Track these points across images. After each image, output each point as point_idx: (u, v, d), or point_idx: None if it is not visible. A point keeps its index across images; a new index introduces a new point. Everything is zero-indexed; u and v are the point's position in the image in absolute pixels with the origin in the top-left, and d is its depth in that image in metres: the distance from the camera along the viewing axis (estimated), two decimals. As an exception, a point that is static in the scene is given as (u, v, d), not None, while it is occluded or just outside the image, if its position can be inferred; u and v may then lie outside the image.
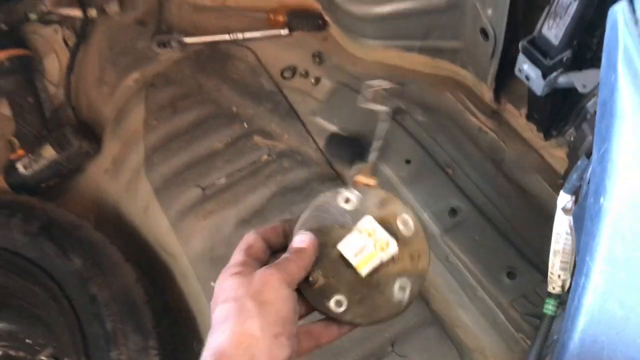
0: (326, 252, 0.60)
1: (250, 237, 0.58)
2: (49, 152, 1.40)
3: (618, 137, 0.45)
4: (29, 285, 1.23)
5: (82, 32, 1.54)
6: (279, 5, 1.46)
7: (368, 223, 0.60)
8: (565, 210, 0.67)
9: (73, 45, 1.54)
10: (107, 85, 1.48)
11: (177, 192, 1.28)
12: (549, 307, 0.72)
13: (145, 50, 1.48)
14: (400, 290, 0.59)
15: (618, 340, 0.50)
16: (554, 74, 0.89)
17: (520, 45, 0.90)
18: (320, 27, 1.43)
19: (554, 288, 0.71)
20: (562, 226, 0.68)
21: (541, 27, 0.87)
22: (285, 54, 1.42)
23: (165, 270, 1.27)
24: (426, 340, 1.06)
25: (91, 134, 1.44)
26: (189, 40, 1.47)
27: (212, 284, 1.04)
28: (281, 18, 1.44)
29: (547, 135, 1.14)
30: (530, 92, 0.98)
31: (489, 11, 1.04)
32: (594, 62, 0.90)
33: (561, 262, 0.69)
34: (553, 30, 0.86)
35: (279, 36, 1.44)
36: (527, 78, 0.93)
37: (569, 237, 0.68)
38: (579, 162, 0.66)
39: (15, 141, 1.46)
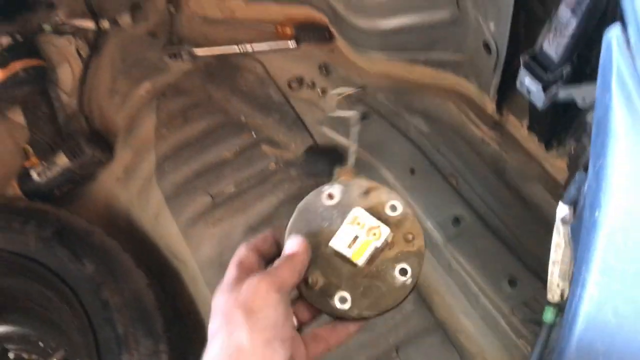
0: (320, 252, 0.59)
1: (241, 251, 0.57)
2: (62, 160, 1.44)
3: (612, 156, 0.47)
4: (42, 290, 1.26)
5: (95, 43, 1.58)
6: (287, 18, 1.49)
7: (356, 214, 0.59)
8: (564, 221, 0.70)
9: (86, 55, 1.58)
10: (119, 95, 1.52)
11: (188, 200, 1.32)
12: (548, 314, 0.74)
13: (156, 61, 1.51)
14: (401, 273, 0.59)
15: (613, 347, 0.52)
16: (554, 87, 0.92)
17: (521, 59, 0.92)
18: (327, 40, 1.46)
19: (553, 296, 0.72)
20: (561, 237, 0.70)
21: (542, 42, 0.90)
22: (292, 66, 1.45)
23: (175, 275, 1.30)
24: (430, 346, 1.08)
25: (103, 142, 1.48)
26: (199, 51, 1.51)
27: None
28: (289, 30, 1.47)
29: (548, 147, 1.16)
30: (532, 105, 1.00)
31: (492, 25, 1.06)
32: (593, 76, 0.92)
33: (560, 271, 0.71)
34: (553, 45, 0.88)
35: (287, 48, 1.47)
36: (528, 91, 0.95)
37: (568, 248, 0.70)
38: (577, 175, 0.68)
39: (30, 149, 1.49)
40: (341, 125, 1.34)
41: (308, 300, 0.58)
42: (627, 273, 0.49)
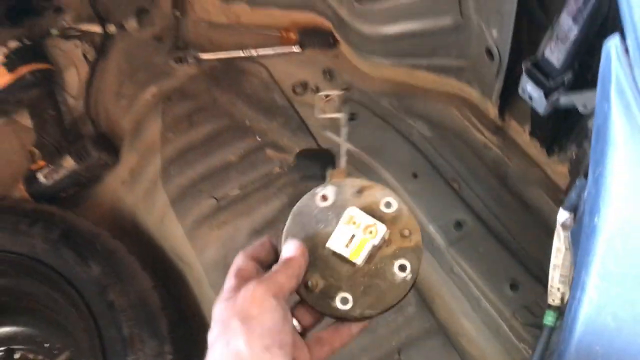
0: (318, 254, 0.59)
1: (239, 260, 0.57)
2: (68, 163, 1.45)
3: (611, 164, 0.48)
4: (48, 291, 1.28)
5: (102, 47, 1.60)
6: (291, 24, 1.51)
7: (351, 213, 0.59)
8: (564, 226, 0.71)
9: (93, 59, 1.59)
10: (125, 99, 1.53)
11: (192, 203, 1.33)
12: (549, 318, 0.75)
13: (162, 65, 1.53)
14: (400, 269, 0.58)
15: (611, 350, 0.53)
16: (556, 94, 0.93)
17: (523, 66, 0.93)
18: (331, 45, 1.47)
19: (553, 300, 0.74)
20: (561, 241, 0.71)
21: (543, 50, 0.91)
22: (297, 70, 1.46)
23: (180, 278, 1.31)
24: (431, 349, 1.09)
25: (110, 145, 1.49)
26: (204, 56, 1.52)
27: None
28: (293, 36, 1.48)
29: (550, 152, 1.18)
30: (533, 111, 1.01)
31: (494, 32, 1.07)
32: (595, 82, 0.93)
33: (560, 275, 0.72)
34: (555, 53, 0.89)
35: (291, 53, 1.48)
36: (530, 98, 0.96)
37: (568, 252, 0.71)
38: (577, 182, 0.70)
39: (36, 152, 1.51)
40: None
41: (309, 303, 0.58)
42: (625, 277, 0.50)
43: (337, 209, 0.60)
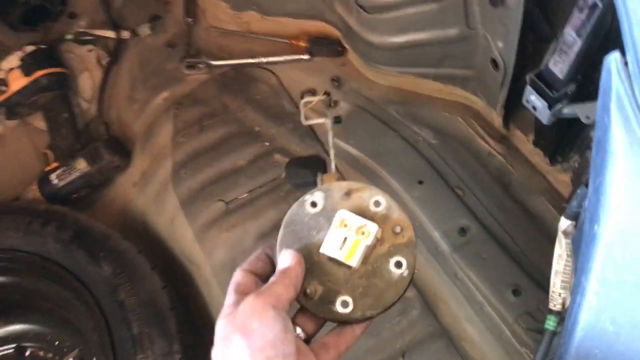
0: (314, 261, 0.59)
1: (237, 275, 0.57)
2: (81, 165, 1.47)
3: (610, 174, 0.50)
4: (60, 290, 1.30)
5: (115, 52, 1.62)
6: (301, 32, 1.53)
7: (341, 216, 0.59)
8: (565, 233, 0.73)
9: (106, 64, 1.62)
10: (137, 103, 1.56)
11: (202, 206, 1.35)
12: (550, 323, 0.77)
13: (174, 71, 1.55)
14: (396, 266, 0.59)
15: (610, 354, 0.55)
16: (559, 105, 0.95)
17: (527, 78, 0.96)
18: (340, 53, 1.50)
19: (554, 305, 0.75)
20: (562, 248, 0.73)
21: (547, 62, 0.93)
22: (305, 78, 1.49)
23: (189, 279, 1.33)
24: (435, 352, 1.11)
25: (122, 148, 1.51)
26: (215, 63, 1.54)
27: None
28: (302, 44, 1.51)
29: (553, 161, 1.20)
30: (537, 121, 1.03)
31: (500, 43, 1.10)
32: (597, 94, 0.96)
33: (562, 281, 0.74)
34: (558, 65, 0.91)
35: (300, 61, 1.51)
36: (534, 108, 0.98)
37: (569, 259, 0.73)
38: (578, 190, 0.72)
39: (50, 154, 1.54)
40: (351, 134, 1.38)
41: (310, 310, 0.58)
42: (624, 284, 0.52)
43: (328, 214, 0.60)
